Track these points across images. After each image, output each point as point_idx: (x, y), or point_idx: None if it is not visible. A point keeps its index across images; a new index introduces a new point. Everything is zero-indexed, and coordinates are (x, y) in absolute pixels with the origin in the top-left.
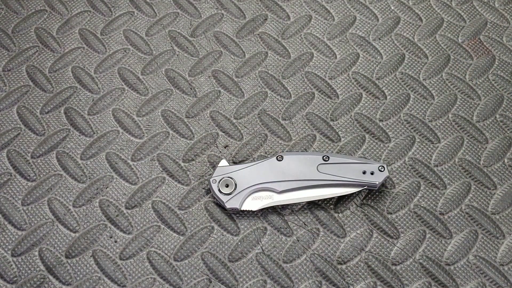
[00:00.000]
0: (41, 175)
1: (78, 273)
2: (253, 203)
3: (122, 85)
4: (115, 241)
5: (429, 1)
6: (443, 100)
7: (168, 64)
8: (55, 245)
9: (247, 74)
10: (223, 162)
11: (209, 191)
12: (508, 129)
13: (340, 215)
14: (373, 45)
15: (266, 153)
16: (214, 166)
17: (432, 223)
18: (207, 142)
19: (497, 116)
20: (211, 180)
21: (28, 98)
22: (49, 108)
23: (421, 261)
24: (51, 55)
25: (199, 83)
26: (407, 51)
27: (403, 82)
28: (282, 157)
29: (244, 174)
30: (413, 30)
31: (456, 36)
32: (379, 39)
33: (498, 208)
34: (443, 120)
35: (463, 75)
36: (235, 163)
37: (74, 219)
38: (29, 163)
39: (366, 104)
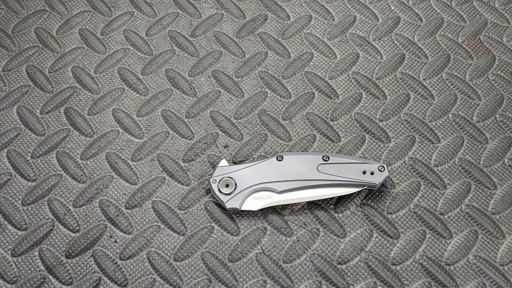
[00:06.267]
0: (41, 175)
1: (78, 273)
2: (253, 203)
3: (122, 85)
4: (115, 241)
5: (429, 1)
6: (443, 100)
7: (168, 64)
8: (55, 245)
9: (247, 74)
10: (223, 162)
11: (209, 191)
12: (508, 129)
13: (340, 215)
14: (373, 45)
15: (266, 153)
16: (214, 166)
17: (432, 223)
18: (207, 142)
19: (497, 116)
20: (211, 180)
21: (28, 98)
22: (49, 108)
23: (421, 261)
24: (51, 55)
25: (199, 83)
26: (407, 51)
27: (403, 82)
28: (282, 157)
29: (244, 174)
30: (413, 30)
31: (456, 36)
32: (379, 39)
33: (498, 208)
34: (443, 120)
35: (463, 75)
36: (235, 163)
37: (74, 219)
38: (29, 163)
39: (366, 104)
